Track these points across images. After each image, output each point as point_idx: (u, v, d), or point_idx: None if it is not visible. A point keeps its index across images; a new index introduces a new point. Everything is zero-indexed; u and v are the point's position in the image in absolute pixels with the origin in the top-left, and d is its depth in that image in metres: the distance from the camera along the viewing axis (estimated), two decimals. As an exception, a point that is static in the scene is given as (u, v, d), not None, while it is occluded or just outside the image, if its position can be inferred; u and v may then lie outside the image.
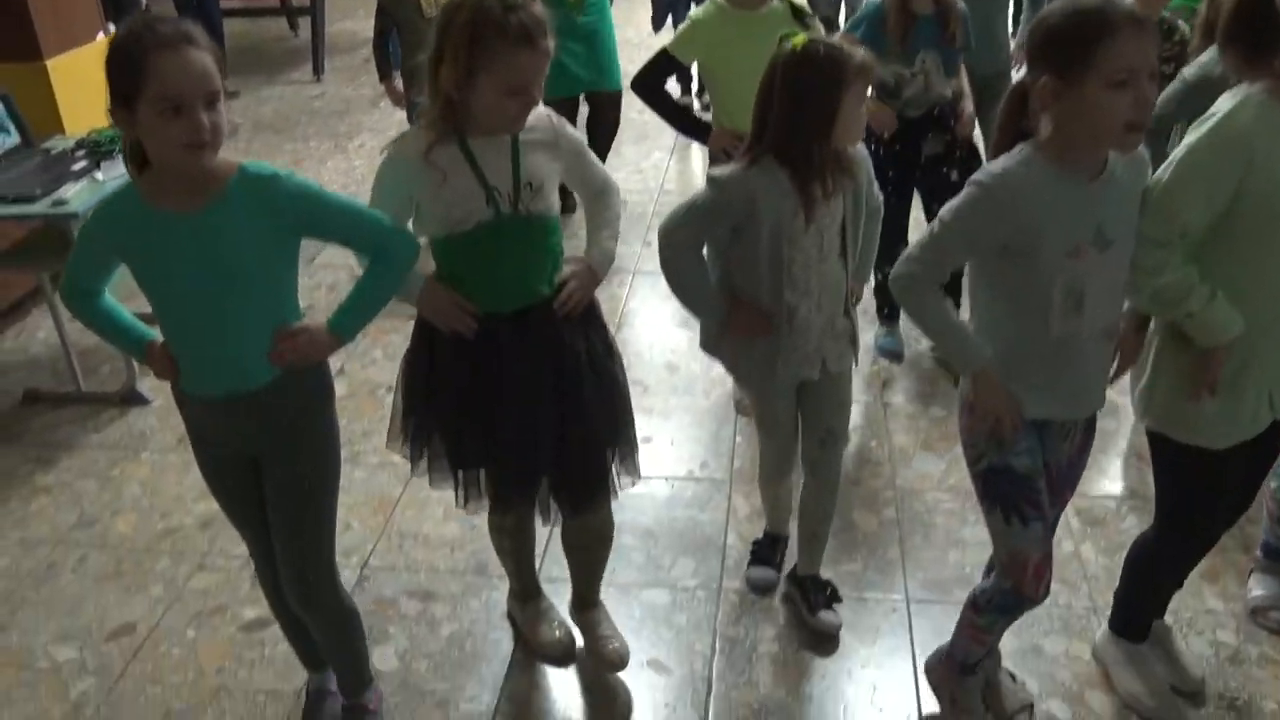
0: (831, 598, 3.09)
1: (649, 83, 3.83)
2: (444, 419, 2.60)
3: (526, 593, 3.11)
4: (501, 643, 3.08)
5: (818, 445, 2.93)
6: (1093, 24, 2.01)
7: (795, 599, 3.15)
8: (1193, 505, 2.57)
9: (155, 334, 2.33)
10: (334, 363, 4.39)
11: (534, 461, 2.59)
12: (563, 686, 2.95)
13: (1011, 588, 2.41)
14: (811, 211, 2.57)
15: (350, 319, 2.35)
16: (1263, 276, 2.28)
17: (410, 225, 2.46)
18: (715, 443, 3.96)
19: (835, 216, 2.65)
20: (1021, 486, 2.34)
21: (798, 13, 3.59)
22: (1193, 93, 3.02)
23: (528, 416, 2.53)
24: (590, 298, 2.60)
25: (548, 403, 2.53)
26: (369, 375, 4.51)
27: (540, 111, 2.44)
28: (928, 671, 2.82)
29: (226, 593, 3.32)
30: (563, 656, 3.01)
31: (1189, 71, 3.16)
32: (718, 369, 4.35)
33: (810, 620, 3.07)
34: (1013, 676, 2.81)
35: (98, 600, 3.31)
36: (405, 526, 3.58)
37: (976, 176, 2.19)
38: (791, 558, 3.24)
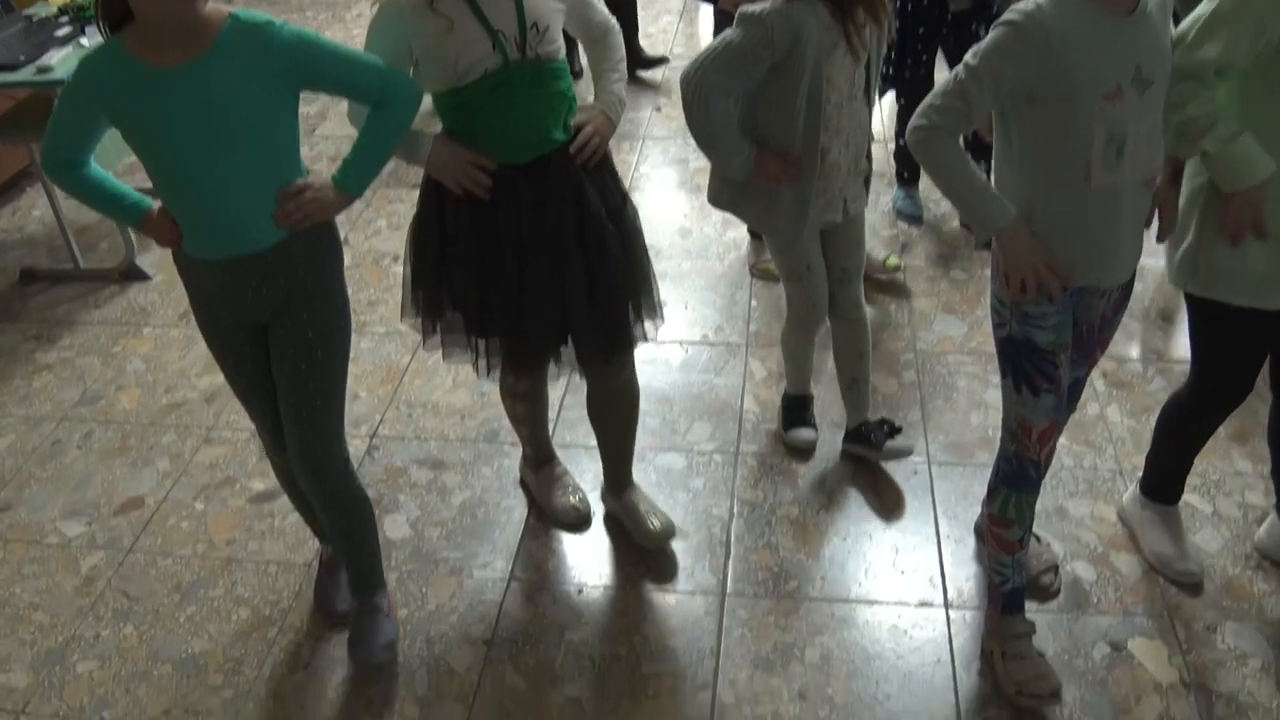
0: (891, 429, 3.05)
1: None
2: (460, 285, 2.48)
3: (540, 459, 3.04)
4: (514, 509, 3.03)
5: (836, 284, 2.87)
6: None
7: (857, 450, 3.10)
8: (1232, 366, 2.47)
9: (150, 201, 2.22)
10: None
11: (560, 320, 2.50)
12: (577, 551, 2.90)
13: (1015, 451, 2.33)
14: (855, 44, 2.44)
15: (356, 173, 2.24)
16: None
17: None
18: (730, 306, 3.85)
19: (865, 52, 2.52)
20: (1039, 360, 2.23)
21: None
22: None
23: (557, 272, 2.43)
24: (607, 143, 2.49)
25: (575, 255, 2.44)
26: (373, 245, 4.40)
27: None
28: (983, 637, 2.60)
29: (234, 465, 3.26)
30: (578, 523, 2.96)
31: None
32: (731, 233, 4.25)
33: (882, 454, 3.05)
34: (1037, 538, 2.75)
35: (104, 475, 3.26)
36: (414, 395, 3.51)
37: (1006, 16, 2.02)
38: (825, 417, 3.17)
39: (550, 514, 2.99)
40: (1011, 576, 2.45)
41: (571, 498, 2.99)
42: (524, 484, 3.11)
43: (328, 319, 2.27)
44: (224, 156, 2.05)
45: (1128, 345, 3.59)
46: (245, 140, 2.05)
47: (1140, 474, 2.84)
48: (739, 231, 4.22)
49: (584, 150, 2.41)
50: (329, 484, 2.38)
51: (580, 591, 2.77)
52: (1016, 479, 2.35)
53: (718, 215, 4.40)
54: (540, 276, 2.43)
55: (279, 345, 2.26)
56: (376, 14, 2.30)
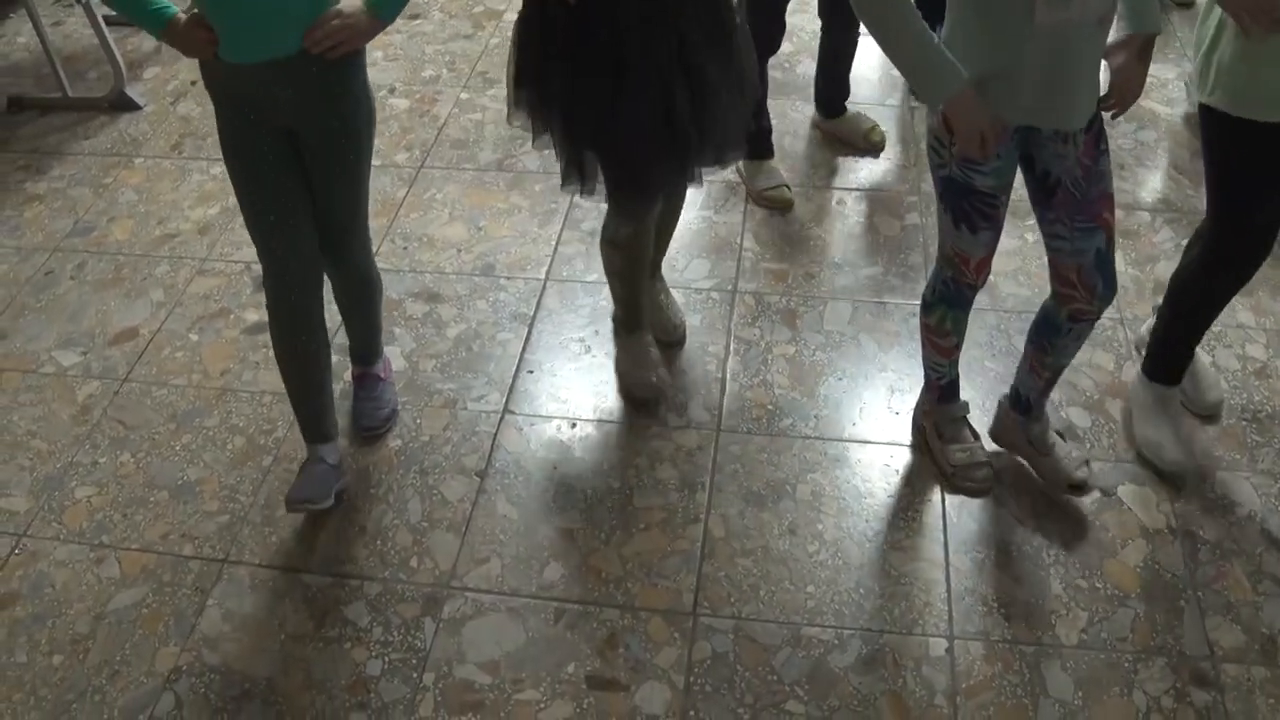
0: None
1: None
2: (558, 94, 2.41)
3: (631, 323, 2.90)
4: (509, 343, 3.01)
5: None
6: None
7: None
8: (1249, 195, 2.35)
9: (175, 8, 2.17)
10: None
11: (662, 162, 2.44)
12: (571, 386, 2.90)
13: (952, 276, 2.36)
14: None
15: None
16: None
17: None
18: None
19: None
20: (978, 201, 2.20)
21: None
22: None
23: (657, 100, 2.33)
24: None
25: (675, 81, 2.33)
26: (371, 76, 4.24)
27: None
28: (914, 410, 2.73)
29: (228, 297, 3.24)
30: (651, 401, 2.82)
31: None
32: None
33: None
34: (1062, 436, 2.65)
35: (98, 306, 3.23)
36: (409, 229, 3.46)
37: None
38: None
39: (628, 384, 2.86)
40: (947, 372, 2.58)
41: (652, 376, 2.84)
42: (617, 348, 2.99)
43: (355, 117, 2.31)
44: None
45: (1137, 193, 3.52)
46: None
47: (1144, 352, 2.76)
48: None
49: None
50: (357, 265, 2.56)
51: (574, 425, 2.78)
52: (954, 299, 2.43)
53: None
54: (637, 99, 2.34)
55: (310, 140, 2.29)
56: None
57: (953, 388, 2.61)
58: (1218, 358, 2.90)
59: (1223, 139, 2.31)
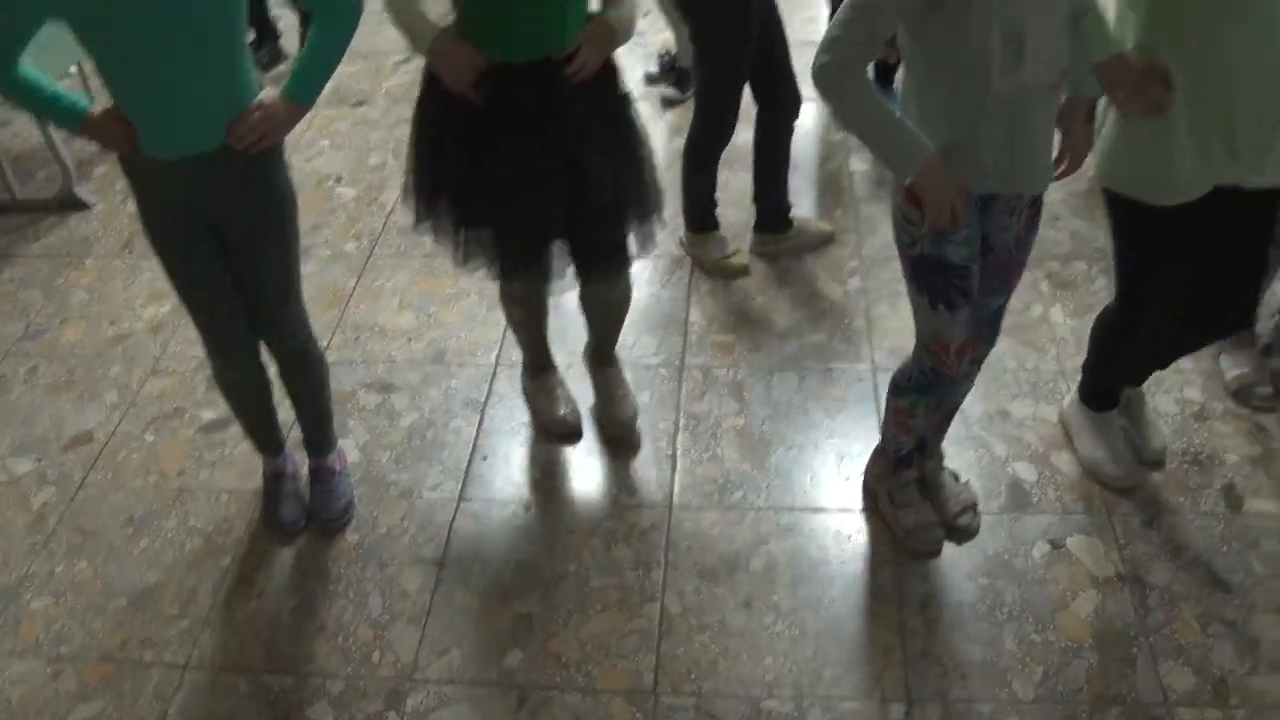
0: None
1: None
2: (453, 172, 2.51)
3: (538, 365, 3.06)
4: (462, 430, 3.04)
5: None
6: None
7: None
8: (1141, 270, 2.47)
9: (90, 103, 2.19)
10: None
11: (542, 223, 2.54)
12: (525, 469, 2.93)
13: (931, 367, 2.34)
14: None
15: (306, 83, 2.27)
16: (1201, 26, 2.10)
17: None
18: (674, 217, 3.80)
19: None
20: (953, 276, 2.19)
21: None
22: None
23: (543, 175, 2.45)
24: (605, 59, 2.45)
25: (564, 164, 2.45)
26: (316, 167, 4.33)
27: None
28: (865, 474, 2.79)
29: (182, 395, 3.25)
30: (570, 434, 2.99)
31: None
32: (675, 143, 4.20)
33: None
34: (956, 477, 2.76)
35: (52, 410, 3.24)
36: (360, 319, 3.50)
37: None
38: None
39: (543, 423, 3.02)
40: (905, 446, 2.61)
41: (562, 408, 3.01)
42: (525, 392, 3.12)
43: (280, 204, 2.36)
44: (177, 50, 2.05)
45: (1072, 245, 3.61)
46: (198, 32, 2.05)
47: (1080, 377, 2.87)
48: (678, 141, 4.16)
49: (579, 67, 2.39)
50: (295, 345, 2.58)
51: (529, 509, 2.81)
52: (929, 388, 2.42)
53: (659, 126, 4.36)
54: (532, 177, 2.45)
55: (237, 233, 2.33)
56: None
57: (908, 457, 2.65)
58: (1157, 402, 2.97)
59: (1115, 215, 2.42)
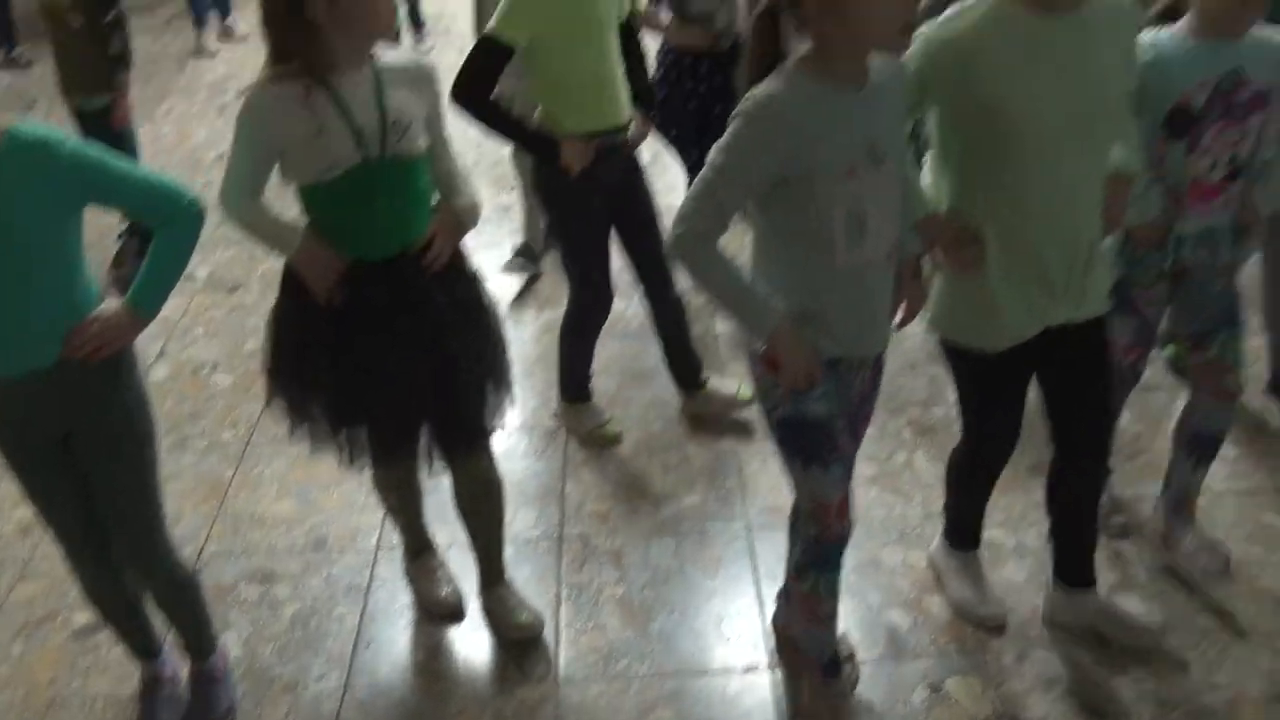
0: None
1: (477, 88, 3.07)
2: (319, 375, 2.53)
3: (417, 547, 3.08)
4: (346, 618, 3.03)
5: None
6: None
7: None
8: (978, 413, 2.64)
9: None
10: (154, 344, 4.27)
11: (413, 412, 2.59)
12: (410, 655, 2.91)
13: (816, 535, 2.36)
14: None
15: (149, 293, 2.28)
16: (999, 184, 2.30)
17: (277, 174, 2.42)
18: (546, 389, 3.90)
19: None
20: (819, 433, 2.26)
21: None
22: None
23: (406, 367, 2.50)
24: (456, 246, 2.58)
25: (424, 352, 2.52)
26: (192, 354, 4.34)
27: (404, 49, 2.42)
28: (777, 634, 2.78)
29: (54, 599, 3.18)
30: (451, 615, 2.99)
31: None
32: (546, 314, 4.33)
33: None
34: None
35: (-84, 624, 3.13)
36: (239, 509, 3.48)
37: (740, 106, 2.06)
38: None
39: (425, 604, 3.02)
40: (826, 647, 2.57)
41: (443, 589, 3.01)
42: (408, 574, 3.12)
43: (131, 416, 2.32)
44: (9, 273, 2.06)
45: (931, 390, 3.79)
46: (29, 257, 2.07)
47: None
48: (554, 314, 4.28)
49: (433, 259, 2.51)
50: (162, 575, 2.51)
51: (415, 694, 2.79)
52: (823, 561, 2.41)
53: (531, 297, 4.49)
54: (388, 372, 2.50)
55: (88, 451, 2.31)
56: (244, 109, 2.36)
57: (835, 660, 2.61)
58: (1021, 538, 3.11)
59: (952, 361, 2.59)
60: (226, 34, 8.36)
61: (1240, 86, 2.53)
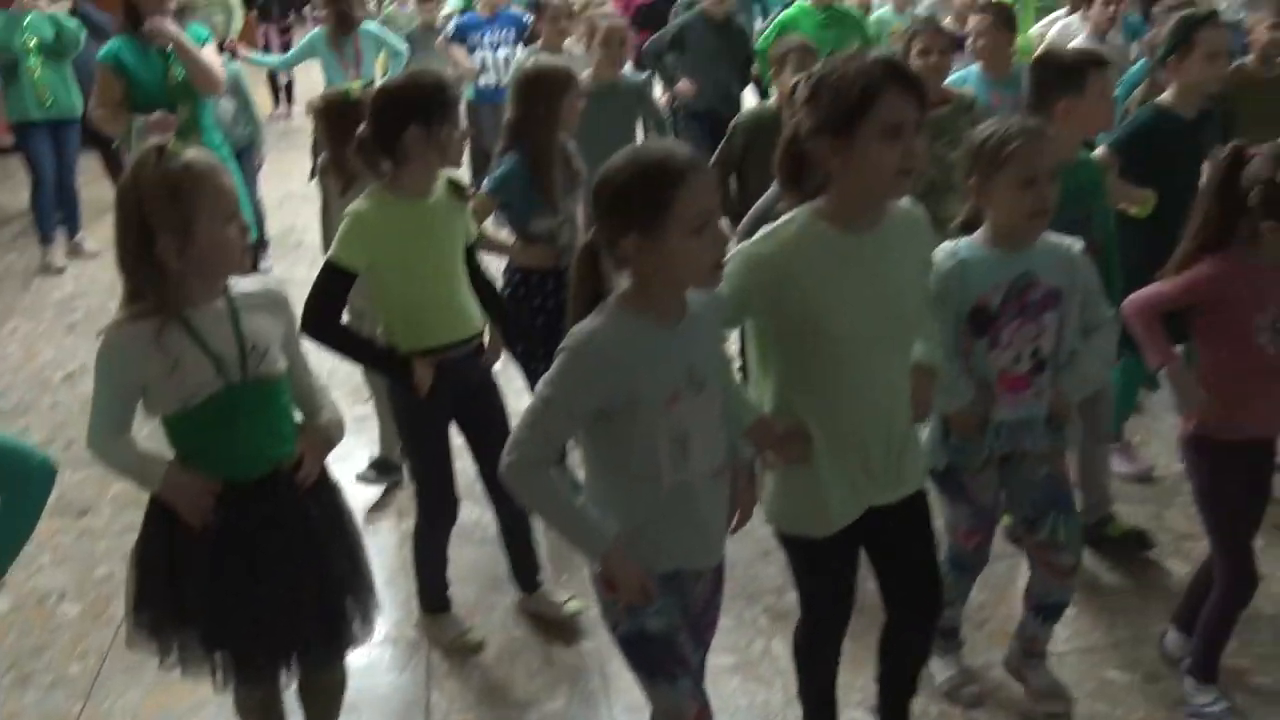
0: None
1: (325, 317, 3.13)
2: (193, 604, 2.51)
3: None
4: None
5: None
6: (664, 176, 2.11)
7: None
8: (814, 594, 2.76)
9: None
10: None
11: (288, 631, 2.59)
12: None
13: None
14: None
15: None
16: (815, 380, 2.49)
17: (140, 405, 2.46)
18: (408, 601, 3.86)
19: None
20: (661, 647, 2.32)
21: (457, 189, 3.34)
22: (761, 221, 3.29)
23: (282, 586, 2.53)
24: (324, 462, 2.65)
25: (299, 570, 2.55)
26: (37, 584, 4.20)
27: (259, 276, 2.52)
28: None
29: None
30: None
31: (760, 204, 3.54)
32: (405, 524, 4.34)
33: None
34: None
35: None
36: (87, 748, 3.35)
37: (565, 342, 2.19)
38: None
39: None
40: None
41: None
42: None
43: None
44: None
45: (785, 576, 3.89)
46: None
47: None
48: (408, 523, 4.30)
49: (305, 477, 2.58)
50: None
51: None
52: None
53: (390, 507, 4.52)
54: (272, 590, 2.52)
55: None
56: (101, 349, 2.40)
57: None
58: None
59: (788, 550, 2.71)
60: (75, 251, 8.31)
61: (1032, 287, 2.82)
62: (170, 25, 5.04)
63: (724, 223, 2.25)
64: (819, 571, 2.70)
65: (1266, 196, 2.75)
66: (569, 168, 4.09)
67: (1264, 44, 4.64)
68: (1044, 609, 3.14)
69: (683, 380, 2.22)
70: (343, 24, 7.21)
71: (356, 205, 3.18)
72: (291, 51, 7.84)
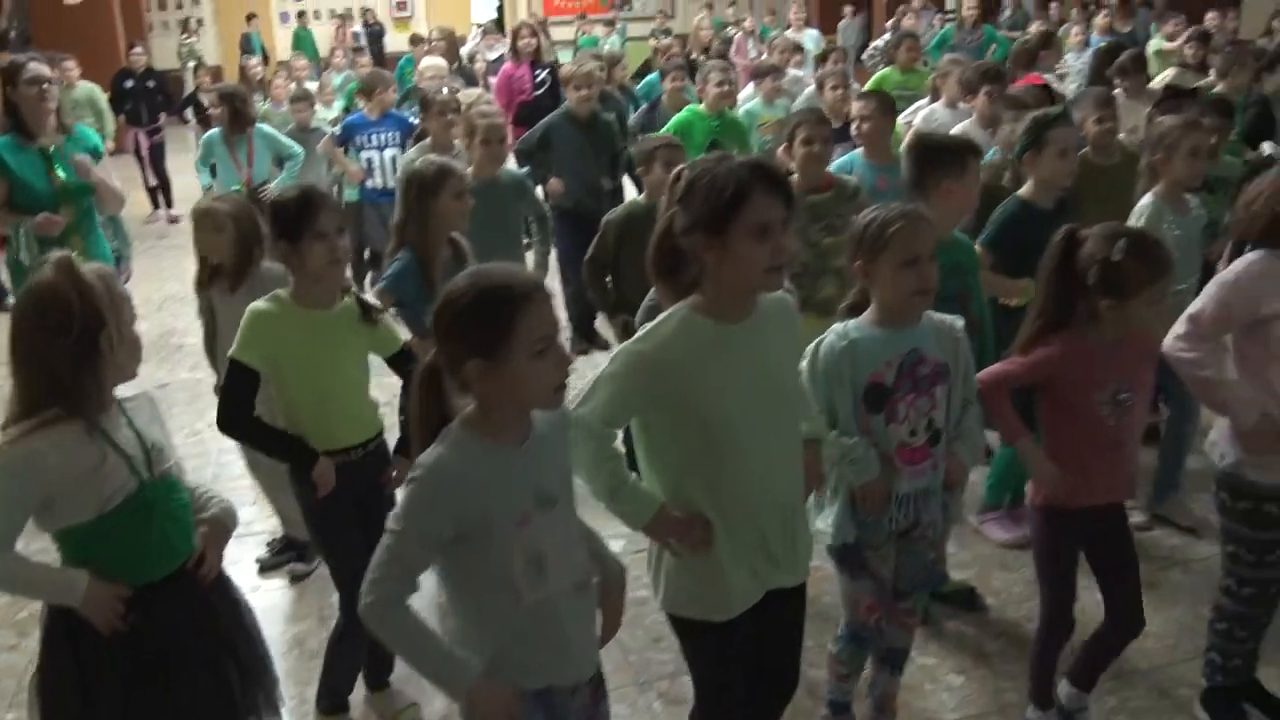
0: None
1: (236, 413, 3.22)
2: (108, 711, 2.47)
3: None
4: None
5: None
6: (505, 299, 2.14)
7: None
8: (711, 679, 2.76)
9: None
10: None
11: None
12: None
13: None
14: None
15: None
16: (707, 469, 2.55)
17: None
18: (303, 691, 3.76)
19: None
20: None
21: (366, 310, 3.36)
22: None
23: (197, 683, 2.53)
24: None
25: (211, 665, 2.57)
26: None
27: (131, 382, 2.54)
28: None
29: None
30: None
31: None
32: (300, 627, 4.25)
33: None
34: None
35: None
36: None
37: (411, 473, 2.19)
38: None
39: None
40: None
41: None
42: None
43: None
44: None
45: (679, 662, 3.86)
46: None
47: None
48: (321, 600, 4.24)
49: (209, 570, 2.61)
50: None
51: None
52: None
53: (294, 593, 4.42)
54: (188, 689, 2.51)
55: None
56: (8, 467, 2.36)
57: None
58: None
59: (684, 636, 2.73)
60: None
61: (921, 363, 2.95)
62: (82, 158, 4.97)
63: (565, 343, 2.27)
64: (718, 655, 2.71)
65: (1103, 275, 2.92)
66: (462, 261, 4.12)
67: (1095, 136, 5.00)
68: (892, 655, 3.27)
69: (531, 501, 2.23)
70: (236, 123, 7.24)
71: (257, 304, 3.22)
72: (197, 159, 7.80)
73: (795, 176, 4.51)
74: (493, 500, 2.18)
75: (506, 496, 2.20)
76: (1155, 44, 9.60)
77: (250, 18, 19.56)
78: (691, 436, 2.53)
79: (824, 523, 3.04)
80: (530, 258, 5.63)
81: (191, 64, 16.80)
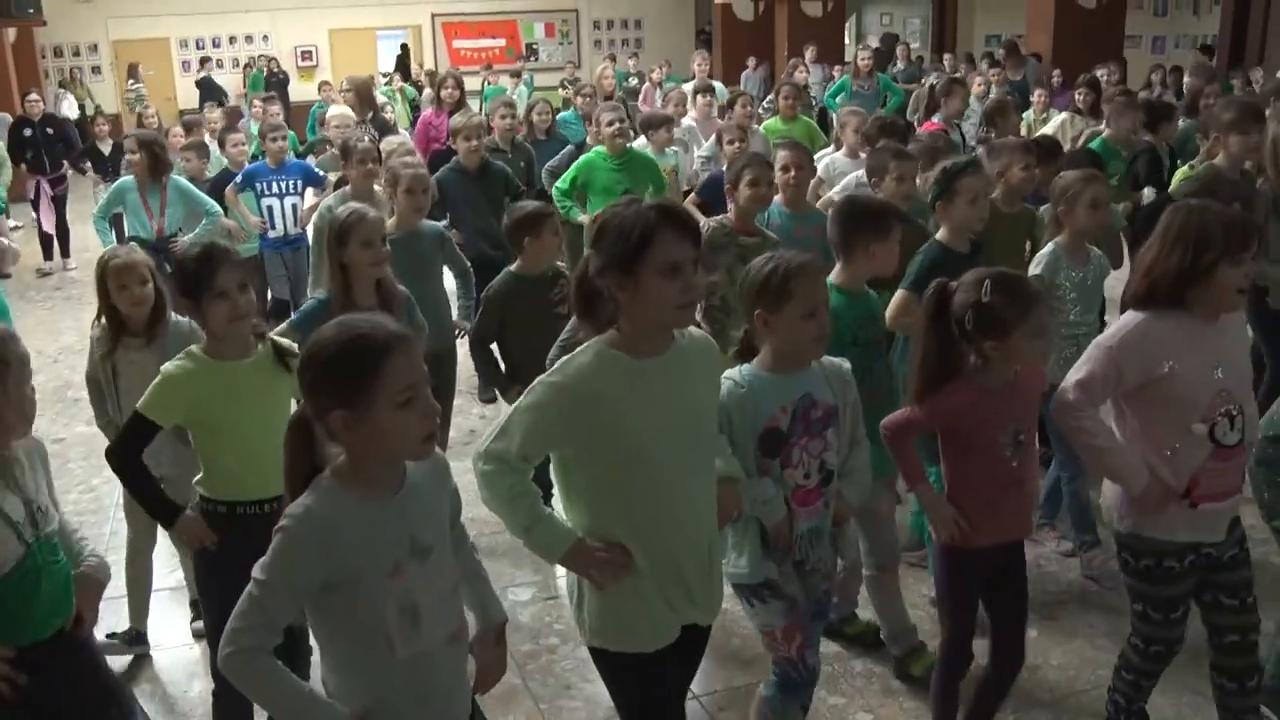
0: None
1: (125, 453, 3.21)
2: None
3: None
4: None
5: None
6: (368, 350, 2.11)
7: None
8: (640, 709, 2.75)
9: None
10: None
11: None
12: None
13: None
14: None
15: None
16: (626, 502, 2.58)
17: None
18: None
19: None
20: None
21: (280, 355, 3.28)
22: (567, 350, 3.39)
23: None
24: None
25: (107, 715, 2.61)
26: None
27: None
28: None
29: None
30: None
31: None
32: (197, 691, 4.16)
33: None
34: None
35: None
36: None
37: (281, 521, 2.15)
38: None
39: None
40: None
41: None
42: None
43: None
44: None
45: (591, 710, 3.90)
46: None
47: None
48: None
49: (86, 626, 2.62)
50: None
51: None
52: None
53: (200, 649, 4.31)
54: None
55: None
56: None
57: None
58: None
59: (608, 670, 2.73)
60: None
61: (813, 406, 3.00)
62: None
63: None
64: (643, 687, 2.71)
65: (978, 318, 3.02)
66: (391, 301, 4.09)
67: (1016, 182, 5.17)
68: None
69: (405, 551, 2.20)
70: (155, 170, 7.07)
71: (169, 367, 3.18)
72: (101, 202, 7.59)
73: (732, 218, 4.75)
74: (363, 552, 2.15)
75: (378, 548, 2.16)
76: (1028, 115, 9.91)
77: (133, 67, 19.02)
78: (609, 470, 2.56)
79: (736, 566, 3.06)
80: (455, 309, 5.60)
81: (90, 112, 16.44)
